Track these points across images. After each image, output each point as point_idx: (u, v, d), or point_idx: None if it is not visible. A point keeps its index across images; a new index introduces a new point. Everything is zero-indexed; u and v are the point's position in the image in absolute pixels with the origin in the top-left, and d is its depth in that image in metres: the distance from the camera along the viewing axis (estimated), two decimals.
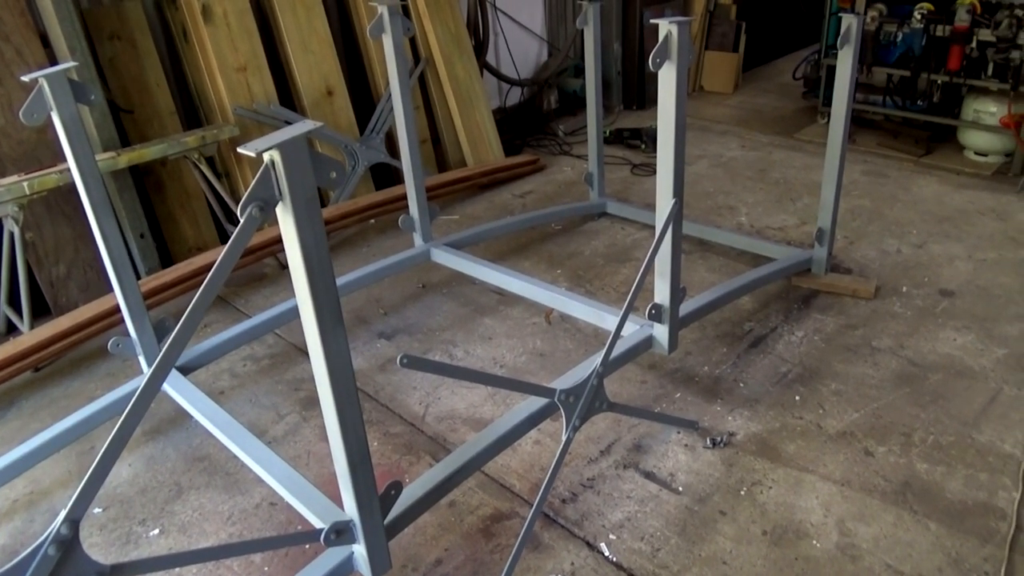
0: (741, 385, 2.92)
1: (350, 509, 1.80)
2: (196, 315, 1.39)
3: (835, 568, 2.13)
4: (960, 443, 2.56)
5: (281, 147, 1.37)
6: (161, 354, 1.38)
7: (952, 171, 4.80)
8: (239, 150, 1.39)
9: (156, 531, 2.40)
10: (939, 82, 4.93)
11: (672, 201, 2.39)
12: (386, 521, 1.88)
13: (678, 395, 2.88)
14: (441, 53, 4.71)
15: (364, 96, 4.66)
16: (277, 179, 1.39)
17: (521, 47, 5.82)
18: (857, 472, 2.46)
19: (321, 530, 1.78)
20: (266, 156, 1.38)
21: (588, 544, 2.26)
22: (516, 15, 5.68)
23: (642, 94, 6.30)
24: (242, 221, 1.38)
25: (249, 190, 1.37)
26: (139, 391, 1.38)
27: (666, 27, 2.17)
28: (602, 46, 4.45)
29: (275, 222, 1.45)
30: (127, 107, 3.73)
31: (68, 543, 1.38)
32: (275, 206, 1.42)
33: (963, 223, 4.09)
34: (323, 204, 4.35)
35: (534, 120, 5.85)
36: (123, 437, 1.35)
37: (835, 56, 3.19)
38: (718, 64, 6.68)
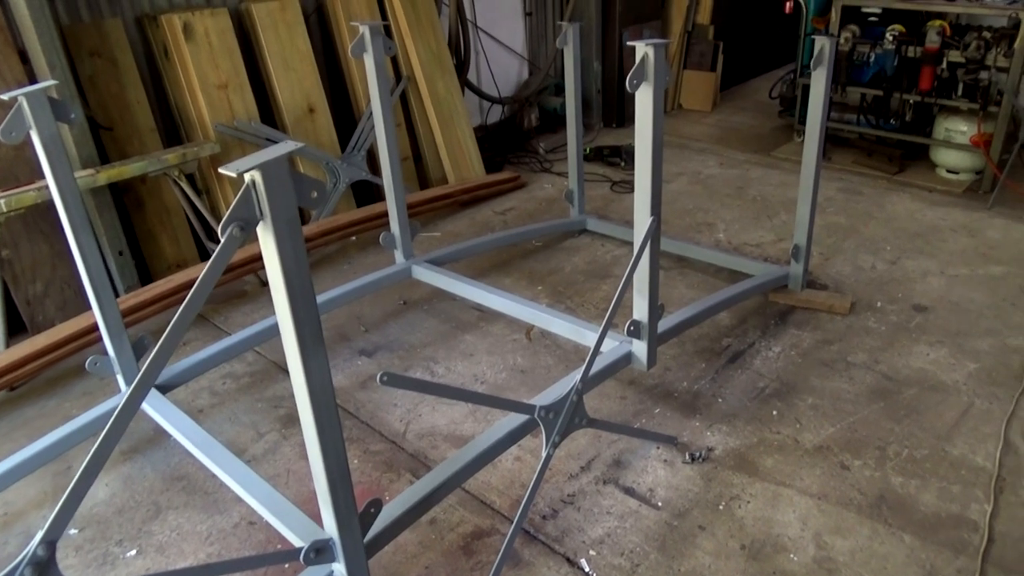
0: (719, 400, 2.95)
1: (330, 527, 1.80)
2: (176, 335, 1.39)
3: None
4: (933, 456, 2.60)
5: (263, 168, 1.38)
6: (140, 374, 1.38)
7: (925, 188, 4.90)
8: (220, 170, 1.40)
9: (133, 552, 2.37)
10: (911, 102, 5.05)
11: (650, 219, 2.43)
12: (366, 539, 1.88)
13: (657, 411, 2.90)
14: (423, 71, 4.75)
15: (346, 113, 4.68)
16: (258, 199, 1.40)
17: (502, 66, 5.88)
18: (833, 486, 2.49)
19: (300, 549, 1.78)
20: (247, 176, 1.39)
21: (568, 560, 2.27)
22: (497, 34, 5.74)
23: (622, 112, 6.37)
24: (222, 241, 1.39)
25: (230, 210, 1.38)
26: (117, 411, 1.38)
27: (643, 49, 2.22)
28: (582, 65, 4.51)
29: (255, 239, 1.46)
30: (107, 124, 3.72)
31: (44, 565, 1.37)
32: (256, 226, 1.43)
33: (935, 239, 4.17)
34: (304, 221, 4.35)
35: (515, 138, 5.90)
36: (101, 457, 1.35)
37: (810, 76, 3.25)
38: (696, 83, 6.78)
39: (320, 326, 1.55)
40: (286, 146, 1.43)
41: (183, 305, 1.39)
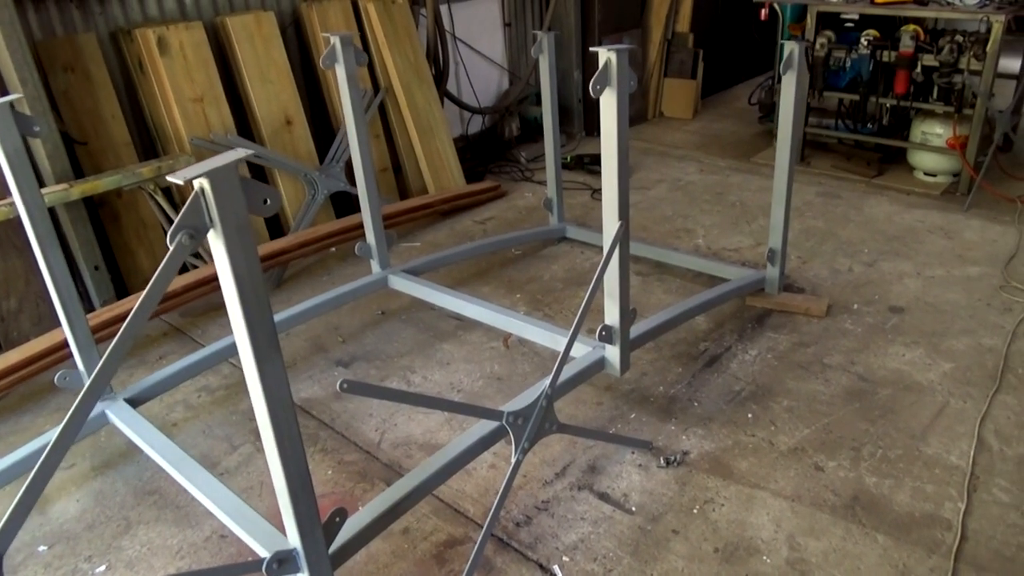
0: (695, 404, 2.94)
1: (293, 537, 1.78)
2: (123, 343, 1.38)
3: None
4: (908, 456, 2.60)
5: (210, 175, 1.37)
6: (88, 381, 1.37)
7: (903, 191, 4.92)
8: (169, 178, 1.40)
9: (103, 568, 2.35)
10: (888, 105, 5.08)
11: (618, 223, 2.43)
12: (331, 549, 1.86)
13: (633, 415, 2.90)
14: (400, 83, 4.76)
15: (324, 125, 4.68)
16: (207, 207, 1.40)
17: (482, 76, 5.90)
18: (808, 487, 2.49)
19: (264, 559, 1.76)
20: (196, 183, 1.39)
21: (541, 567, 2.26)
22: (476, 45, 5.77)
23: None
24: (171, 249, 1.38)
25: (178, 218, 1.38)
26: (66, 419, 1.36)
27: (605, 55, 2.23)
28: (562, 74, 4.53)
29: None
30: (81, 139, 3.71)
31: None
32: (206, 233, 1.42)
33: (912, 241, 4.19)
34: (283, 232, 4.34)
35: (496, 147, 5.91)
36: (48, 468, 1.33)
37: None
38: (677, 91, 6.82)
39: (275, 332, 1.54)
40: (235, 153, 1.43)
41: (132, 313, 1.38)
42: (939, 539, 2.27)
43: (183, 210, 1.38)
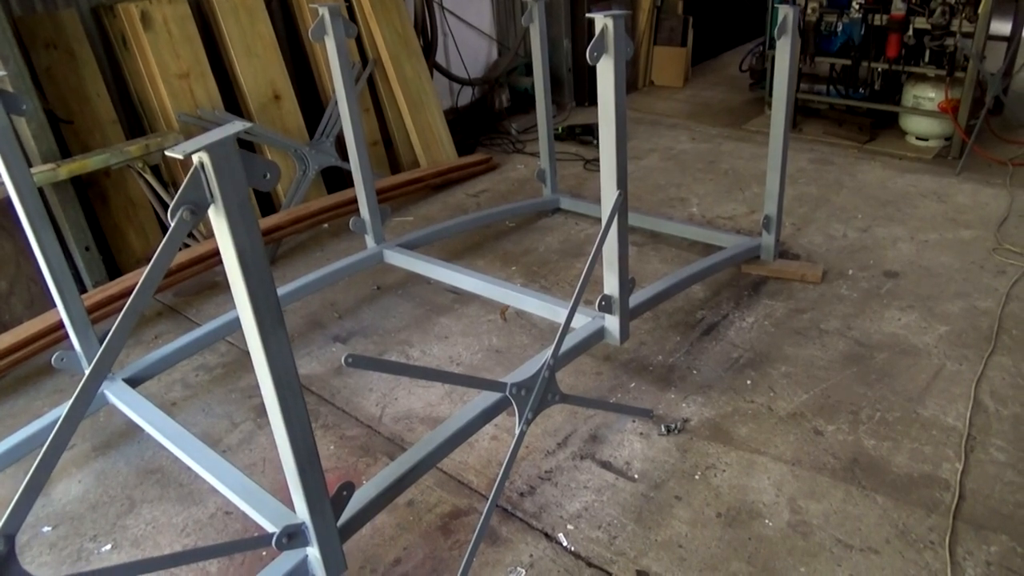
0: (694, 372, 2.96)
1: (301, 512, 1.79)
2: (127, 322, 1.37)
3: (787, 545, 2.17)
4: (905, 418, 2.63)
5: (210, 148, 1.35)
6: (93, 362, 1.36)
7: (895, 156, 4.92)
8: (167, 152, 1.37)
9: (108, 547, 2.35)
10: (879, 70, 5.06)
11: (616, 193, 2.42)
12: (339, 523, 1.87)
13: (633, 385, 2.91)
14: (389, 55, 4.70)
15: (313, 100, 4.62)
16: (207, 181, 1.38)
17: (471, 47, 5.83)
18: (807, 451, 2.52)
19: (273, 534, 1.76)
20: (195, 158, 1.36)
21: (546, 535, 2.28)
22: (464, 15, 5.69)
23: (594, 90, 6.33)
24: (172, 225, 1.36)
25: (179, 193, 1.36)
26: (72, 400, 1.35)
27: (602, 21, 2.20)
28: (552, 43, 4.47)
29: None
30: (66, 117, 3.65)
31: (4, 559, 1.34)
32: (207, 209, 1.40)
33: (906, 206, 4.20)
34: (275, 209, 4.30)
35: (486, 119, 5.86)
36: (57, 449, 1.32)
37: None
38: (667, 59, 6.76)
39: (279, 307, 1.53)
40: (234, 126, 1.41)
41: (134, 292, 1.36)
42: (938, 499, 2.30)
43: (183, 185, 1.36)
